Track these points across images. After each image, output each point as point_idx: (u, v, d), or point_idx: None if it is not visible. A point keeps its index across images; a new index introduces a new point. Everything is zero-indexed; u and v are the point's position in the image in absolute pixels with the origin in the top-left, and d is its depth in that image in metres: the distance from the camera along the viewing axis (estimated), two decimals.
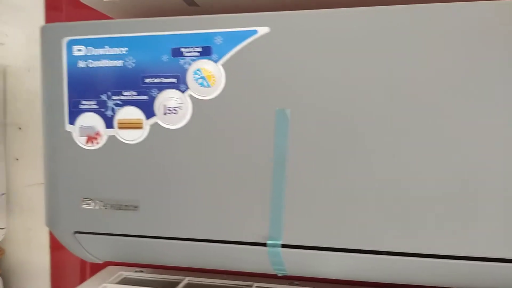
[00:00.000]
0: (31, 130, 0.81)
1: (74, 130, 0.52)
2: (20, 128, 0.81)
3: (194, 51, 0.49)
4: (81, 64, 0.52)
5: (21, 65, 0.80)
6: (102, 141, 0.52)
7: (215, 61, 0.48)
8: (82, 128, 0.52)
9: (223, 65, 0.48)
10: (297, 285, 0.66)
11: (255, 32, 0.47)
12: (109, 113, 0.51)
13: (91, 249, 0.56)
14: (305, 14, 0.46)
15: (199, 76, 0.49)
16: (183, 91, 0.49)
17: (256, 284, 0.65)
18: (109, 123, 0.51)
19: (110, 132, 0.51)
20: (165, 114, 0.50)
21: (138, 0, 0.59)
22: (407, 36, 0.44)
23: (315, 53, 0.46)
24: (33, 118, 0.81)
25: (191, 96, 0.49)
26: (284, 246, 0.48)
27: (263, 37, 0.47)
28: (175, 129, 0.50)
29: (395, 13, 0.44)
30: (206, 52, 0.48)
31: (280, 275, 0.53)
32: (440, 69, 0.43)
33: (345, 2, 0.50)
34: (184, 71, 0.49)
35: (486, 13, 0.42)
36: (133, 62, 0.50)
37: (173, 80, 0.49)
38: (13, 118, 0.82)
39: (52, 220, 0.55)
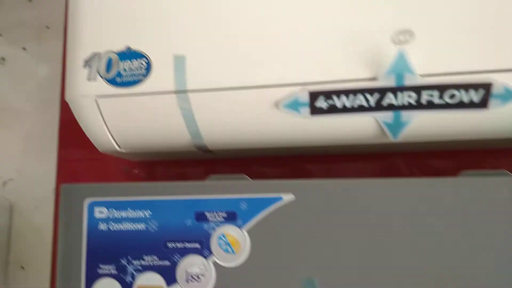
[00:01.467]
0: (34, 270, 0.78)
1: None
2: (22, 267, 0.79)
3: (219, 216, 0.49)
4: (102, 226, 0.51)
5: (29, 202, 0.80)
6: None
7: (240, 227, 0.48)
8: None
9: (248, 231, 0.48)
10: None
11: (280, 199, 0.48)
12: (128, 279, 0.50)
13: None
14: (330, 183, 0.48)
15: (223, 242, 0.48)
16: (206, 257, 0.48)
17: None
18: None
19: None
20: (187, 281, 0.48)
21: (152, 150, 0.61)
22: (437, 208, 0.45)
23: (341, 221, 0.47)
24: (37, 258, 0.78)
25: (215, 262, 0.48)
26: None
27: (288, 204, 0.48)
28: None
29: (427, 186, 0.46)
30: (231, 218, 0.49)
31: None
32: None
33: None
34: (208, 236, 0.49)
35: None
36: (155, 226, 0.50)
37: (197, 245, 0.49)
38: (16, 256, 0.79)
39: None
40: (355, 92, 0.49)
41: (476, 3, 0.46)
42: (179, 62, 0.52)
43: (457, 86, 0.47)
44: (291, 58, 0.50)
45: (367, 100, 0.49)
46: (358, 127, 0.52)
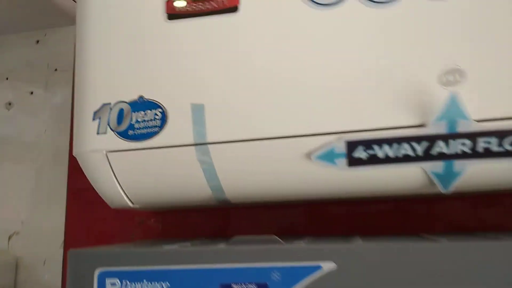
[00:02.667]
0: None
1: None
2: None
3: None
4: None
5: (35, 257, 0.74)
6: None
7: None
8: None
9: None
10: None
11: (319, 268, 0.42)
12: None
13: None
14: (375, 248, 0.41)
15: None
16: None
17: None
18: None
19: None
20: None
21: (168, 204, 0.56)
22: None
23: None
24: None
25: None
26: None
27: (328, 273, 0.41)
28: None
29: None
30: None
31: None
32: None
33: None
34: None
35: None
36: None
37: None
38: None
39: None
40: (399, 140, 0.43)
41: None
42: (198, 112, 0.47)
43: None
44: (324, 104, 0.44)
45: (413, 149, 0.43)
46: (403, 178, 0.46)
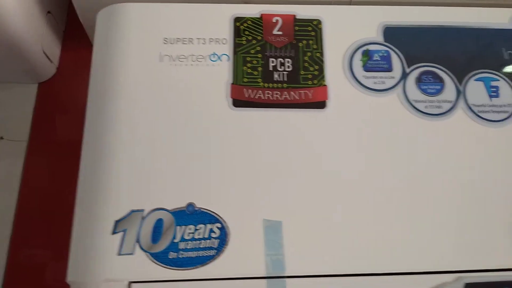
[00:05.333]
0: None
1: None
2: None
3: None
4: None
5: None
6: None
7: None
8: None
9: None
10: None
11: None
12: None
13: None
14: None
15: None
16: None
17: None
18: None
19: None
20: None
21: None
22: None
23: None
24: None
25: None
26: None
27: None
28: None
29: None
30: None
31: None
32: None
33: None
34: None
35: None
36: None
37: None
38: None
39: None
40: None
41: None
42: (273, 231, 0.35)
43: None
44: (443, 238, 0.36)
45: None
46: None
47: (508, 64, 0.41)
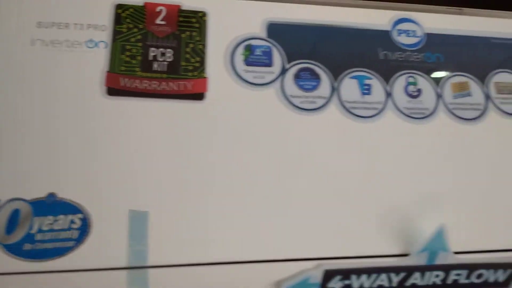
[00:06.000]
0: None
1: None
2: None
3: None
4: None
5: None
6: None
7: None
8: None
9: None
10: None
11: None
12: None
13: None
14: None
15: None
16: None
17: None
18: None
19: None
20: None
21: None
22: None
23: None
24: None
25: None
26: None
27: None
28: None
29: None
30: None
31: None
32: None
33: None
34: None
35: None
36: None
37: None
38: None
39: None
40: (380, 271, 0.38)
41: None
42: (138, 222, 0.35)
43: (488, 266, 0.40)
44: (301, 227, 0.37)
45: (390, 280, 0.39)
46: None
47: (383, 64, 0.44)
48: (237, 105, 0.39)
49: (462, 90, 0.44)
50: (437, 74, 0.44)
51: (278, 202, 0.37)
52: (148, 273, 0.34)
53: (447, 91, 0.44)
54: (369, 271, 0.38)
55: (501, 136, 0.44)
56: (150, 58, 0.39)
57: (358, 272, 0.38)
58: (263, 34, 0.42)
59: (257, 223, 0.36)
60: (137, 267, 0.34)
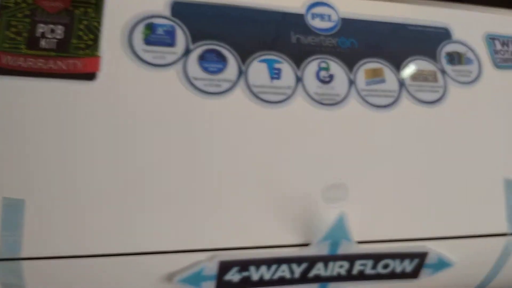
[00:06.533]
0: None
1: None
2: None
3: None
4: None
5: None
6: None
7: None
8: None
9: None
10: None
11: None
12: None
13: None
14: None
15: None
16: None
17: None
18: None
19: None
20: None
21: None
22: None
23: None
24: None
25: None
26: None
27: None
28: None
29: None
30: None
31: None
32: None
33: None
34: None
35: None
36: None
37: None
38: None
39: None
40: (280, 261, 0.37)
41: (415, 171, 0.42)
42: (12, 211, 0.32)
43: (393, 256, 0.39)
44: (194, 215, 0.35)
45: (291, 271, 0.37)
46: None
47: (295, 48, 0.42)
48: (133, 86, 0.37)
49: (375, 77, 0.43)
50: (351, 60, 0.43)
51: (171, 190, 0.35)
52: (22, 265, 0.31)
53: (360, 77, 0.43)
54: (268, 262, 0.36)
55: (414, 124, 0.43)
56: (38, 34, 0.36)
57: (257, 263, 0.36)
58: (167, 13, 0.40)
59: (145, 212, 0.34)
60: (9, 259, 0.31)
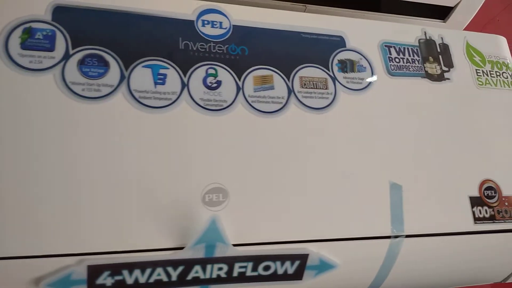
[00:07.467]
0: None
1: None
2: None
3: None
4: None
5: None
6: None
7: None
8: None
9: None
10: None
11: None
12: None
13: None
14: None
15: None
16: None
17: None
18: None
19: None
20: None
21: None
22: None
23: None
24: None
25: None
26: None
27: None
28: None
29: None
30: None
31: None
32: None
33: None
34: None
35: None
36: None
37: None
38: None
39: None
40: (154, 265, 0.37)
41: (298, 171, 0.43)
42: None
43: (273, 257, 0.40)
44: (61, 220, 0.35)
45: (168, 275, 0.38)
46: None
47: (182, 54, 0.43)
48: (7, 91, 0.37)
49: (264, 83, 0.45)
50: (240, 67, 0.44)
51: (43, 194, 0.35)
52: None
53: (249, 84, 0.44)
54: (141, 265, 0.37)
55: (300, 129, 0.44)
56: None
57: (129, 267, 0.36)
58: (48, 17, 0.40)
59: (14, 216, 0.34)
60: None
